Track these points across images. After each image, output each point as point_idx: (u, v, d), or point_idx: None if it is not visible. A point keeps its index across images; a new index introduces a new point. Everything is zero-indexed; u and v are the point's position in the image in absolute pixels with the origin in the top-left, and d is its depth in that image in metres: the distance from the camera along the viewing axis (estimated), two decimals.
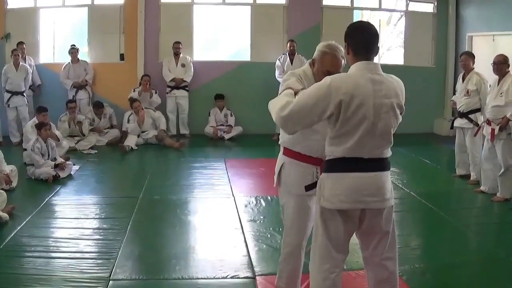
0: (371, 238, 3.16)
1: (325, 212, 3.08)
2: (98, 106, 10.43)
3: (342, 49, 3.33)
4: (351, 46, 3.08)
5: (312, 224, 3.35)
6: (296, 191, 3.55)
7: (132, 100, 10.26)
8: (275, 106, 3.09)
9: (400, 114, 3.09)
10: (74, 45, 10.70)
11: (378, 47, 3.10)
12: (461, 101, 7.38)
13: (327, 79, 3.00)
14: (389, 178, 3.13)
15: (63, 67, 10.59)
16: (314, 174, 3.48)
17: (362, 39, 3.07)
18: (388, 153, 3.11)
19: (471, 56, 7.46)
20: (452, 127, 7.80)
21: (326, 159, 3.15)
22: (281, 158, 3.67)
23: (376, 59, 3.12)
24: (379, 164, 3.07)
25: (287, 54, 10.60)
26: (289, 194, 3.61)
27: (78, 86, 10.61)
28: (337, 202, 3.02)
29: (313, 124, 3.08)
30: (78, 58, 10.65)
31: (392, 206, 3.16)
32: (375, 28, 3.13)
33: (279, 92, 3.32)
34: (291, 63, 10.39)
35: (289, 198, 3.61)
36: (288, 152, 3.60)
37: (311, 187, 3.46)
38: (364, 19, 12.47)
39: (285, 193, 3.66)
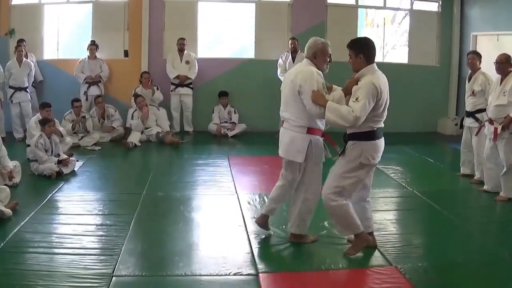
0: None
1: None
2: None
3: None
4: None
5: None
6: None
7: (136, 96, 10.26)
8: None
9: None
10: (94, 41, 10.71)
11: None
12: (467, 101, 7.39)
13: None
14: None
15: (78, 61, 10.63)
16: None
17: None
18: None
19: (478, 55, 7.43)
20: (461, 126, 7.79)
21: None
22: None
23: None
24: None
25: (290, 52, 10.58)
26: None
27: (91, 82, 10.62)
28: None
29: None
30: (95, 55, 10.66)
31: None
32: None
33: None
34: (293, 61, 10.34)
35: None
36: None
37: None
38: (369, 18, 12.49)
39: None
